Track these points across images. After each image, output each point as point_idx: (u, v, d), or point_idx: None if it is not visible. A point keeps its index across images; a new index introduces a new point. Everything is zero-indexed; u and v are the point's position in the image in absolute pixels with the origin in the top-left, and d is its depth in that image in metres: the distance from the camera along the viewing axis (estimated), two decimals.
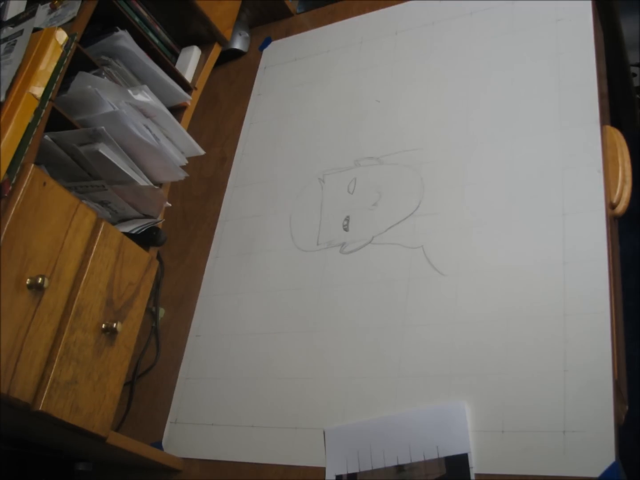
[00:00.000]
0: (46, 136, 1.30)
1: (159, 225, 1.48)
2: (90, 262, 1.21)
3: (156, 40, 1.68)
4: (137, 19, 1.60)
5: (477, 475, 1.13)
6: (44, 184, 1.14)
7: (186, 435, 1.45)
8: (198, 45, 1.79)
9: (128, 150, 1.38)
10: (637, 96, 2.23)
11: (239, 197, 1.74)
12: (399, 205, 1.48)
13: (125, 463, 1.43)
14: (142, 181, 1.41)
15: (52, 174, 1.34)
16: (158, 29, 1.69)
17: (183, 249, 1.74)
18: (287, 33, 1.99)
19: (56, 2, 1.41)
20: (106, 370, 1.22)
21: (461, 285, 1.32)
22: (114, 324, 1.21)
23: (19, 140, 1.14)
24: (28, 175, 1.11)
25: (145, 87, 1.44)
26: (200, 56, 1.79)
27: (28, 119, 1.17)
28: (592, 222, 1.25)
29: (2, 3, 1.43)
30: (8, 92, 1.16)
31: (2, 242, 1.05)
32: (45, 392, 1.09)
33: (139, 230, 1.42)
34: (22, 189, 1.10)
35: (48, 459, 1.51)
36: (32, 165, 1.13)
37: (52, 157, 1.35)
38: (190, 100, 1.67)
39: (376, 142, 1.61)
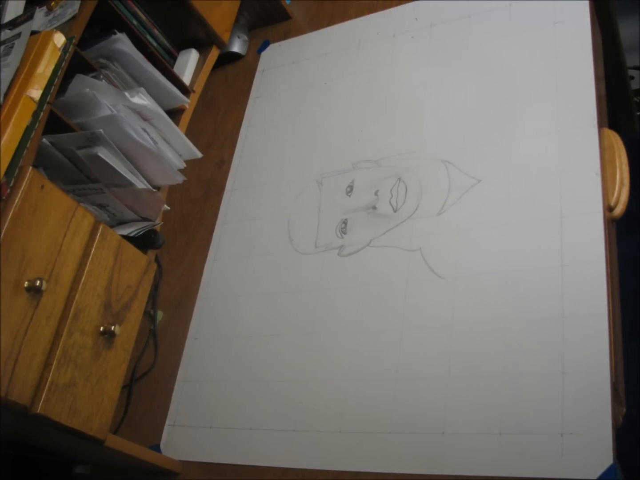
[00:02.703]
0: (44, 139, 1.30)
1: (157, 228, 1.48)
2: (88, 264, 1.20)
3: (154, 43, 1.68)
4: (135, 22, 1.60)
5: (473, 477, 1.13)
6: (42, 186, 1.14)
7: (184, 438, 1.45)
8: (196, 48, 1.79)
9: (126, 153, 1.38)
10: (635, 99, 2.24)
11: (237, 199, 1.74)
12: (397, 208, 1.48)
13: (124, 466, 1.43)
14: (140, 184, 1.41)
15: (50, 177, 1.34)
16: (156, 31, 1.69)
17: (181, 251, 1.74)
18: (285, 36, 1.99)
19: (52, 3, 1.42)
20: (104, 373, 1.22)
21: (459, 288, 1.32)
22: (112, 327, 1.21)
23: (17, 143, 1.14)
24: (26, 178, 1.11)
25: (142, 89, 1.44)
26: (199, 59, 1.79)
27: (26, 121, 1.17)
28: (590, 225, 1.25)
29: (0, 5, 1.43)
30: (6, 94, 1.16)
31: (0, 244, 1.05)
32: (43, 395, 1.09)
33: (137, 233, 1.42)
34: (20, 192, 1.10)
35: (46, 461, 1.51)
36: (30, 168, 1.13)
37: (50, 160, 1.35)
38: (188, 103, 1.67)
39: (374, 145, 1.61)
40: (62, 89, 1.36)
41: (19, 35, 1.27)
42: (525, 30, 1.55)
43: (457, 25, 1.66)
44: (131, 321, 1.29)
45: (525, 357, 1.19)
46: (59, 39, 1.25)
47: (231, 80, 2.01)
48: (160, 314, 1.64)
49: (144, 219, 1.48)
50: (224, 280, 1.62)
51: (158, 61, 1.62)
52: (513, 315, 1.24)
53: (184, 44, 1.79)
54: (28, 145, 1.16)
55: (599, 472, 1.03)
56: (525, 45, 1.53)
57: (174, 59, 1.77)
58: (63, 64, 1.26)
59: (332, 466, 1.26)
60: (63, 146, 1.34)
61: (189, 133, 1.62)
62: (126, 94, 1.41)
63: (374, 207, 1.51)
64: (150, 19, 1.66)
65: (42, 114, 1.20)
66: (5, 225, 1.06)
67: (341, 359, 1.37)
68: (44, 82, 1.21)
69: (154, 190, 1.44)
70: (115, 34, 1.49)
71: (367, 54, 1.78)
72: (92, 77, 1.41)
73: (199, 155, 1.60)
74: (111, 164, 1.34)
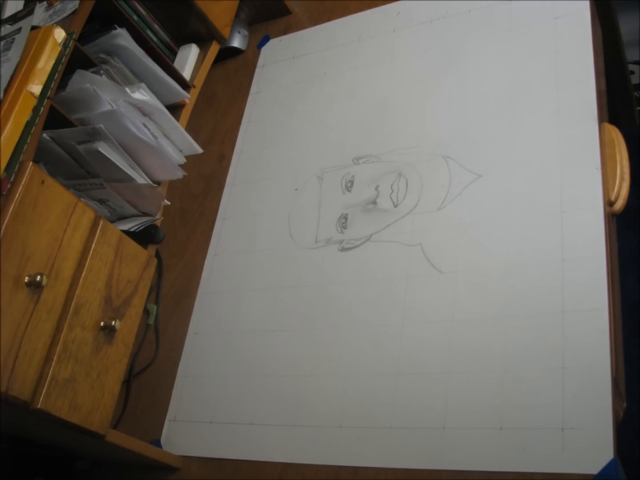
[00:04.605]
0: (45, 134, 1.30)
1: (158, 223, 1.48)
2: (88, 260, 1.20)
3: (154, 39, 1.68)
4: (135, 17, 1.59)
5: (474, 472, 1.13)
6: (42, 182, 1.14)
7: (185, 433, 1.45)
8: (196, 43, 1.79)
9: (126, 148, 1.38)
10: (635, 94, 2.24)
11: (238, 195, 1.74)
12: (398, 203, 1.48)
13: (124, 461, 1.44)
14: (140, 179, 1.41)
15: (51, 172, 1.34)
16: (156, 27, 1.69)
17: (182, 246, 1.74)
18: (286, 31, 1.99)
19: None
20: (105, 368, 1.22)
21: (460, 283, 1.32)
22: (113, 322, 1.21)
23: (17, 138, 1.14)
24: (26, 173, 1.11)
25: (143, 85, 1.44)
26: (199, 54, 1.79)
27: (26, 116, 1.17)
28: (591, 220, 1.25)
29: (0, 1, 1.43)
30: (6, 90, 1.16)
31: (0, 240, 1.05)
32: (44, 390, 1.09)
33: (138, 228, 1.42)
34: (20, 187, 1.10)
35: (46, 457, 1.52)
36: (31, 163, 1.13)
37: (51, 155, 1.35)
38: (188, 98, 1.67)
39: (374, 140, 1.61)
40: (63, 84, 1.36)
41: (19, 30, 1.27)
42: (525, 25, 1.55)
43: (457, 20, 1.66)
44: (131, 316, 1.29)
45: (525, 352, 1.19)
46: (59, 34, 1.25)
47: (231, 75, 2.00)
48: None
49: (145, 214, 1.48)
50: (225, 275, 1.62)
51: (158, 56, 1.62)
52: (513, 310, 1.24)
53: (184, 39, 1.79)
54: (28, 140, 1.16)
55: (599, 466, 1.04)
56: (525, 40, 1.53)
57: (174, 54, 1.77)
58: (63, 59, 1.26)
59: (332, 461, 1.26)
60: (63, 141, 1.34)
61: (189, 128, 1.62)
62: (126, 89, 1.41)
63: (375, 202, 1.51)
64: (150, 14, 1.66)
65: (42, 109, 1.20)
66: (6, 221, 1.06)
67: (341, 354, 1.37)
68: (44, 77, 1.21)
69: (155, 185, 1.44)
70: (115, 29, 1.49)
71: (367, 49, 1.77)
72: (93, 72, 1.41)
73: (200, 150, 1.60)
74: (111, 159, 1.34)
